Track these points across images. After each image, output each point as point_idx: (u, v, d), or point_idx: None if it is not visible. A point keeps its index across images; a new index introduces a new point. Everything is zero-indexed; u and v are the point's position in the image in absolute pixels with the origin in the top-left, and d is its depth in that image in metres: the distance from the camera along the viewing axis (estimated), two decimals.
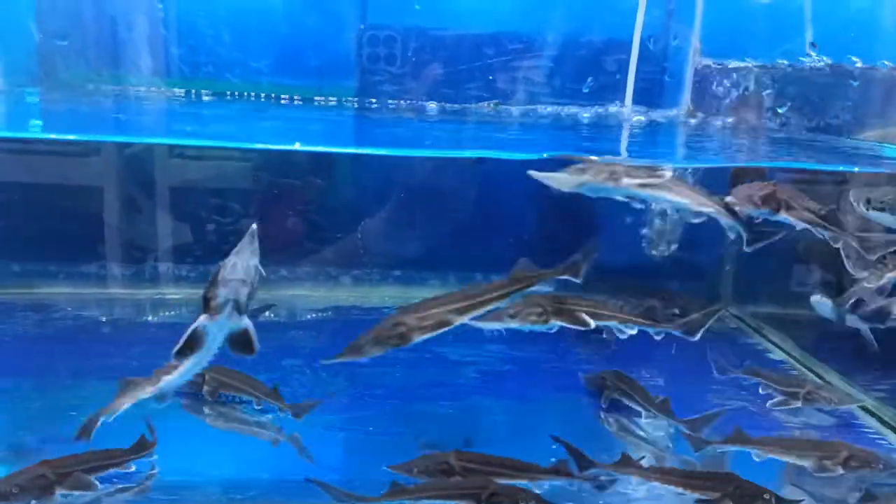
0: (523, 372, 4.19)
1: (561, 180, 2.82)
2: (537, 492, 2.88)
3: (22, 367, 3.99)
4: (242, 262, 2.30)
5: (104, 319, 4.65)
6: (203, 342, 2.41)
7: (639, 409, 3.68)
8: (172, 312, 4.86)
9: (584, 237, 4.99)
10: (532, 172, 2.78)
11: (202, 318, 2.34)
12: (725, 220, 3.10)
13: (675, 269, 5.19)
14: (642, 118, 4.59)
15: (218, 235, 4.79)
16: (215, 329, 2.38)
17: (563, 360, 4.40)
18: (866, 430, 3.86)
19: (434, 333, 2.78)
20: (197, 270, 4.98)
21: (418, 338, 2.76)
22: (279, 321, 4.73)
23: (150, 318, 4.71)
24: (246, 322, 2.40)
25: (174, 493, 3.01)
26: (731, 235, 3.16)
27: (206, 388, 3.76)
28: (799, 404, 3.69)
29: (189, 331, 2.37)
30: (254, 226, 2.28)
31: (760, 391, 3.85)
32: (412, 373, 4.10)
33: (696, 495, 2.94)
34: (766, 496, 2.85)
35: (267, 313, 4.83)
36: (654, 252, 5.11)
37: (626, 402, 3.71)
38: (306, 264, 5.05)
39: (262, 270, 2.32)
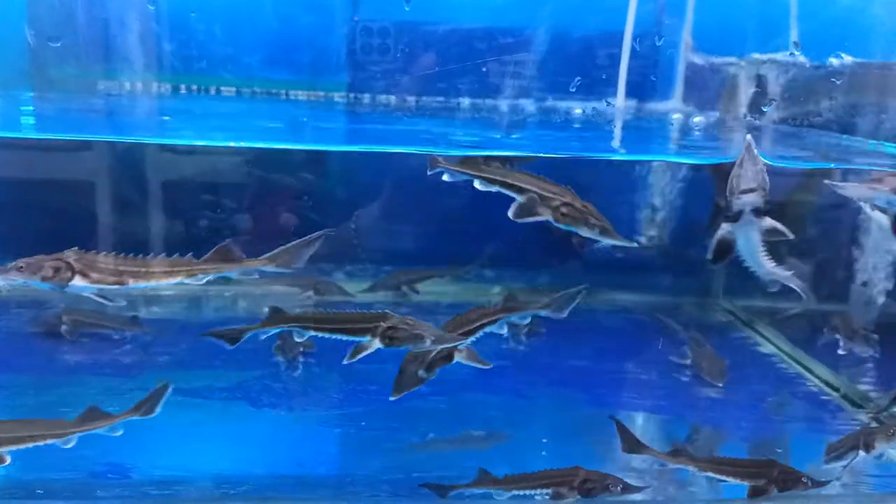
0: (517, 367, 4.22)
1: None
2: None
3: (16, 364, 4.01)
4: (749, 171, 2.57)
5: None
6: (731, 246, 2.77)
7: None
8: (165, 308, 4.88)
9: (578, 235, 5.05)
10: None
11: (724, 226, 2.71)
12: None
13: (666, 264, 5.23)
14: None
15: (210, 230, 4.80)
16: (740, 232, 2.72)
17: (557, 356, 4.43)
18: (854, 422, 3.91)
19: None
20: None
21: None
22: None
23: (143, 313, 4.71)
24: (769, 222, 2.71)
25: (167, 488, 3.03)
26: None
27: (64, 327, 4.01)
28: None
29: (716, 238, 2.75)
30: (749, 137, 2.60)
31: None
32: None
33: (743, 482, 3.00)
34: (805, 480, 2.94)
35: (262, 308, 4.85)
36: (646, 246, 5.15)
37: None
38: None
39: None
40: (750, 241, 2.80)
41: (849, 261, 4.62)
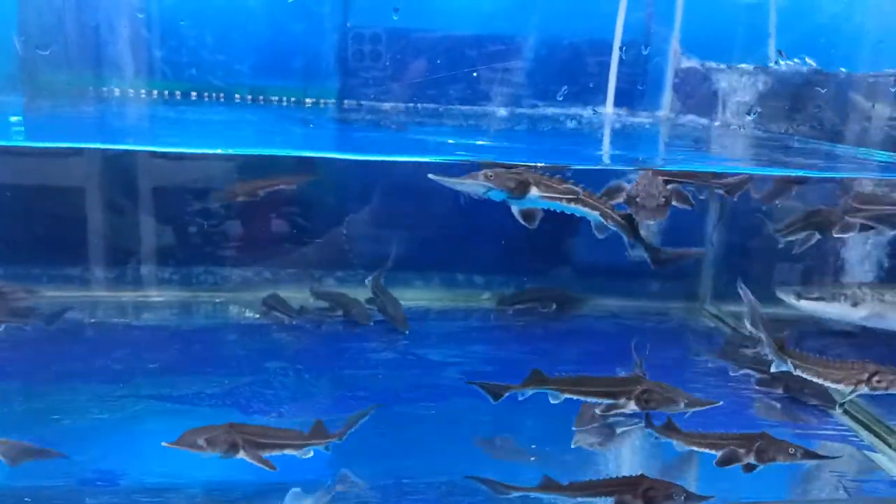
0: (506, 373, 4.20)
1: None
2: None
3: (5, 370, 4.00)
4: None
5: (88, 322, 4.65)
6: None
7: None
8: (155, 315, 4.88)
9: (563, 238, 5.08)
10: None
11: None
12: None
13: (653, 269, 5.24)
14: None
15: (201, 238, 4.81)
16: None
17: (545, 361, 4.44)
18: (839, 426, 3.94)
19: None
20: (180, 273, 5.00)
21: None
22: (263, 323, 4.75)
23: (133, 320, 4.71)
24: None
25: (157, 496, 3.04)
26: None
27: None
28: None
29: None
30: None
31: None
32: (395, 374, 4.13)
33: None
34: (792, 450, 3.01)
35: (252, 314, 4.86)
36: (632, 252, 5.16)
37: None
38: (290, 265, 5.07)
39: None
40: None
41: (836, 263, 4.67)
